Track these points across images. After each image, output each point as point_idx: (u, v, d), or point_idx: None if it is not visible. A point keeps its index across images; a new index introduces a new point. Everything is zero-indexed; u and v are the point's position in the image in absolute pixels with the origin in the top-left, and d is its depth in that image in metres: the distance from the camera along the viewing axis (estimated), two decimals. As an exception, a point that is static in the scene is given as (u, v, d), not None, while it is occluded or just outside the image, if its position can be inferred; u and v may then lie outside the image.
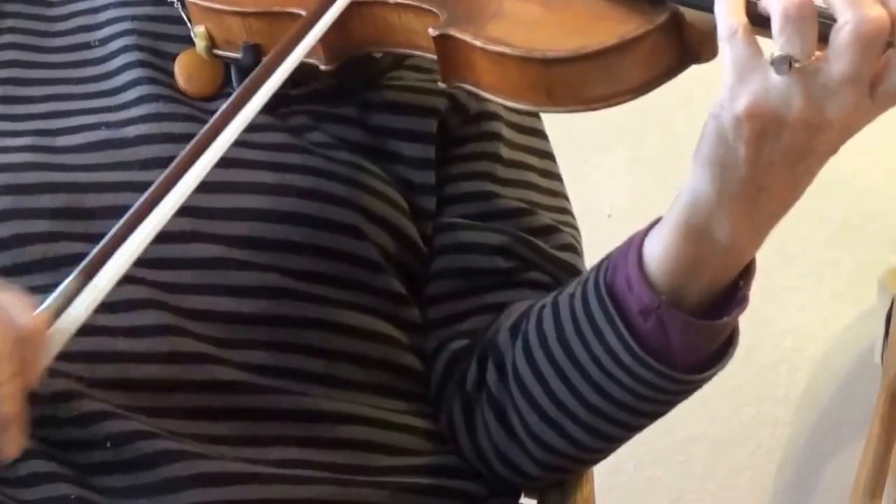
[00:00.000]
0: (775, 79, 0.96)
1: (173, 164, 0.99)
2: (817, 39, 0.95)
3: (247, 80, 1.02)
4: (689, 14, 1.03)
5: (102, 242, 0.98)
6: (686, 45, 1.04)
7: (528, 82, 1.03)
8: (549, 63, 1.02)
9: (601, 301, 1.09)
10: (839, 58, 0.95)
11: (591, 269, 1.12)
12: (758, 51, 0.97)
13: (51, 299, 0.95)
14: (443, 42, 1.06)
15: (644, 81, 1.03)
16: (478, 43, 1.04)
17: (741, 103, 0.97)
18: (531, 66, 1.03)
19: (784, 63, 0.95)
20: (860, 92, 0.96)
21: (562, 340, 1.11)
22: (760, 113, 0.97)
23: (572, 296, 1.12)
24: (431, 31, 1.06)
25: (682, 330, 1.06)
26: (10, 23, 1.25)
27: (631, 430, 1.15)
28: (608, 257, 1.11)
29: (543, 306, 1.14)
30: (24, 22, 1.25)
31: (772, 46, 0.96)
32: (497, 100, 1.06)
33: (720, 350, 1.10)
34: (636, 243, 1.07)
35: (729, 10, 0.97)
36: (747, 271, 1.08)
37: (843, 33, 0.95)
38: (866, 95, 0.97)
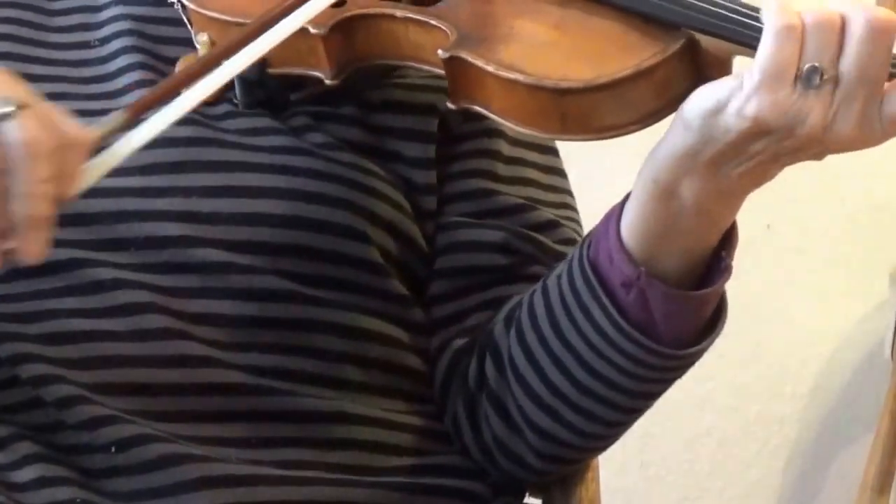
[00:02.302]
0: (801, 96, 0.96)
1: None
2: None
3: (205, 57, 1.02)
4: (706, 41, 1.01)
5: (154, 89, 0.99)
6: (700, 71, 1.02)
7: (541, 110, 1.02)
8: (562, 93, 1.01)
9: (585, 277, 1.09)
10: (852, 58, 0.96)
11: (576, 248, 1.12)
12: (798, 58, 0.96)
13: (98, 126, 0.97)
14: (453, 64, 1.04)
15: (659, 108, 1.02)
16: (490, 68, 1.02)
17: (755, 107, 0.97)
18: (544, 94, 1.01)
19: (816, 74, 0.96)
20: (871, 101, 0.97)
21: (552, 321, 1.11)
22: (772, 124, 0.98)
23: (559, 276, 1.12)
24: (441, 54, 1.04)
25: (662, 300, 1.06)
26: (6, 12, 1.24)
27: (626, 412, 1.14)
28: (590, 233, 1.11)
29: (534, 292, 1.14)
30: (21, 13, 1.24)
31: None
32: (507, 124, 1.05)
33: (709, 325, 1.10)
34: (614, 216, 1.08)
35: (787, 7, 0.97)
36: (728, 241, 1.08)
37: (853, 30, 0.96)
38: (877, 105, 0.97)
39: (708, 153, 1.01)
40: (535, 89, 1.01)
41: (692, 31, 1.01)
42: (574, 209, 1.27)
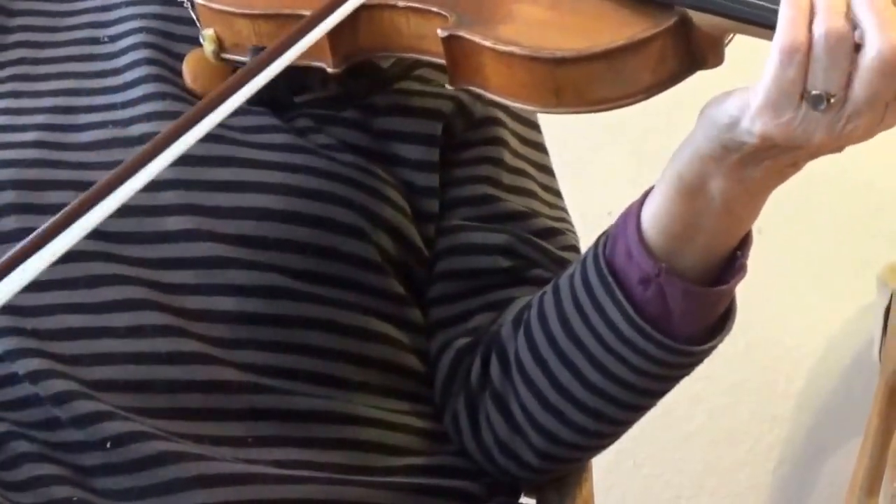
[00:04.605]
0: (804, 114, 0.96)
1: (147, 145, 0.99)
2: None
3: (237, 73, 1.02)
4: (698, 19, 1.03)
5: (52, 220, 0.97)
6: (693, 51, 1.04)
7: (536, 82, 1.03)
8: (557, 62, 1.02)
9: (601, 275, 1.09)
10: (863, 84, 0.94)
11: (590, 247, 1.12)
12: (804, 81, 0.95)
13: None
14: (451, 43, 1.05)
15: (651, 84, 1.03)
16: (487, 43, 1.04)
17: (760, 127, 0.97)
18: (539, 65, 1.02)
19: (822, 101, 0.95)
20: (879, 111, 0.96)
21: (562, 319, 1.11)
22: (780, 140, 0.97)
23: (571, 275, 1.12)
24: (440, 33, 1.05)
25: (681, 297, 1.06)
26: (20, 21, 1.25)
27: (632, 410, 1.14)
28: (606, 232, 1.11)
29: (544, 293, 1.14)
30: (34, 19, 1.25)
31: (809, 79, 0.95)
32: (504, 101, 1.06)
33: (718, 324, 1.10)
34: (634, 213, 1.08)
35: (795, 22, 0.95)
36: (744, 242, 1.08)
37: (868, 59, 0.94)
38: (883, 111, 0.97)
39: (731, 159, 1.01)
40: (531, 61, 1.03)
41: (685, 9, 1.03)
42: (572, 225, 1.27)
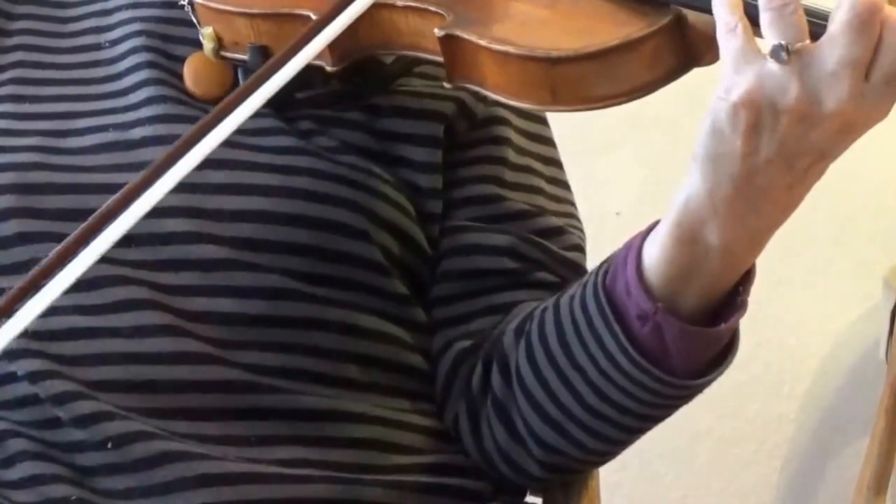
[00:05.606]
0: (772, 67, 0.96)
1: (161, 156, 0.99)
2: (807, 27, 0.96)
3: (248, 80, 1.03)
4: (692, 17, 1.03)
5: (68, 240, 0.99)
6: (689, 48, 1.05)
7: (532, 81, 1.04)
8: (552, 62, 1.03)
9: (600, 306, 1.09)
10: (835, 40, 0.95)
11: (592, 272, 1.12)
12: (755, 44, 0.97)
13: None
14: (448, 42, 1.06)
15: (647, 82, 1.04)
16: (482, 42, 1.04)
17: (736, 92, 0.97)
18: (535, 64, 1.03)
19: (781, 51, 0.96)
20: (856, 77, 0.96)
21: (562, 342, 1.11)
22: (756, 100, 0.97)
23: (572, 298, 1.12)
24: (437, 32, 1.06)
25: (678, 336, 1.06)
26: (21, 24, 1.25)
27: (633, 432, 1.14)
28: (608, 260, 1.10)
29: (546, 308, 1.14)
30: (36, 23, 1.25)
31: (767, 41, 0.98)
32: (501, 99, 1.06)
33: (720, 354, 1.10)
34: (635, 248, 1.07)
35: (728, 6, 0.98)
36: (746, 277, 1.07)
37: (839, 13, 0.95)
38: (862, 80, 0.96)
39: (725, 184, 1.00)
40: (526, 60, 1.03)
41: (680, 8, 1.04)
42: (578, 219, 1.26)
